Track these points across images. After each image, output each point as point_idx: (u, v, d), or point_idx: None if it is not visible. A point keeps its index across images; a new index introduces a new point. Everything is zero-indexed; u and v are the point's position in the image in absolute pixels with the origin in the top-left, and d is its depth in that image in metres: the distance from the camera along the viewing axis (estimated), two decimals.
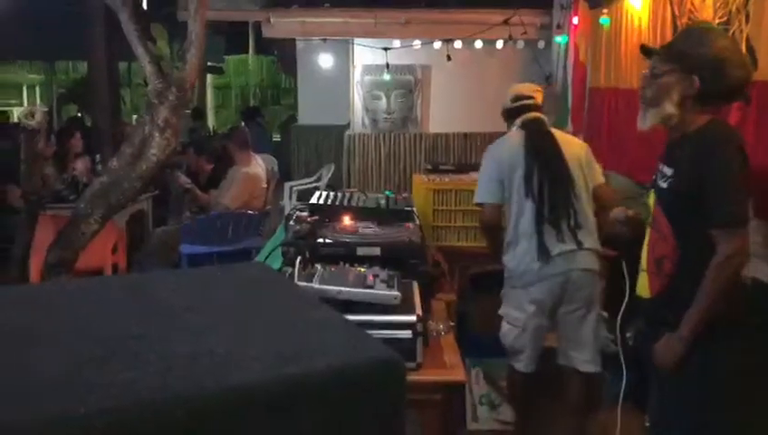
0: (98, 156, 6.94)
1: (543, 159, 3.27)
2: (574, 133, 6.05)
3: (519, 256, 3.22)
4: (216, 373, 0.73)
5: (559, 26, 6.60)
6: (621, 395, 2.71)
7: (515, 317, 3.28)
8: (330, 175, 8.75)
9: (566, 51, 6.39)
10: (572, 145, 3.44)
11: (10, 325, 0.86)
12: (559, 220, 3.17)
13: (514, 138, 3.37)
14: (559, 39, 6.57)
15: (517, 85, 3.67)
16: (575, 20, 6.06)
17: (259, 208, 6.24)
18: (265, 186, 6.59)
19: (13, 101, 17.45)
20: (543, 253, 3.14)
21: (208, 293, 1.00)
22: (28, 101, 17.93)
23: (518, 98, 3.51)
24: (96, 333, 0.84)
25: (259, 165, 6.46)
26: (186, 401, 0.71)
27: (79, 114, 12.84)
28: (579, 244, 3.18)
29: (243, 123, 12.81)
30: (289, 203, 8.00)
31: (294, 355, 0.77)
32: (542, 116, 3.47)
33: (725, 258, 2.17)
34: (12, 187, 5.78)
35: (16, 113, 12.45)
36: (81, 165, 6.56)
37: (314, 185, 8.51)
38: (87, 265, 4.42)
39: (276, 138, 14.57)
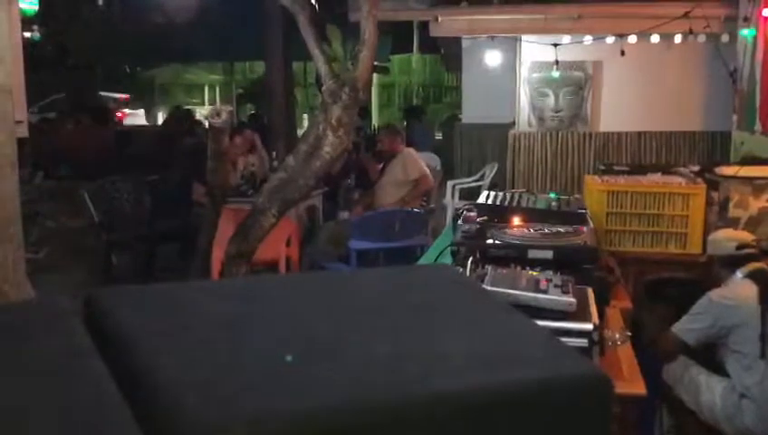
0: (274, 153, 7.29)
1: None
2: (763, 134, 5.61)
3: (751, 414, 3.01)
4: (420, 378, 0.73)
5: (746, 19, 6.14)
6: None
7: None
8: (493, 174, 8.68)
9: (754, 45, 5.93)
10: None
11: (218, 320, 0.90)
12: None
13: (745, 290, 3.13)
14: (745, 32, 6.12)
15: (728, 231, 3.48)
16: (765, 11, 5.62)
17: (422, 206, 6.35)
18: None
19: (195, 101, 18.74)
20: None
21: (400, 292, 1.00)
22: (209, 100, 19.17)
23: (743, 246, 3.28)
24: (299, 329, 0.86)
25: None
26: (391, 405, 0.71)
27: (256, 113, 13.55)
28: None
29: (405, 122, 13.01)
30: (452, 201, 8.03)
31: (497, 364, 0.75)
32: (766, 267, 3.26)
33: None
34: (196, 184, 6.20)
35: (199, 112, 13.37)
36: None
37: (477, 184, 8.48)
38: (263, 257, 4.65)
39: (438, 136, 14.66)
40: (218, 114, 4.00)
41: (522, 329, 0.87)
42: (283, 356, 0.77)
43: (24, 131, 4.18)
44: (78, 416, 0.74)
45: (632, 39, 6.85)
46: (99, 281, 6.11)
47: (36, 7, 9.89)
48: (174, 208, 6.59)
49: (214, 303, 0.93)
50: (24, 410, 0.74)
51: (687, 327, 3.18)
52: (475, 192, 7.42)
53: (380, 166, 6.77)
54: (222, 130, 4.07)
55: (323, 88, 4.14)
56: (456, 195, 8.36)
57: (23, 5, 5.92)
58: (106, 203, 6.46)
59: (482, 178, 8.83)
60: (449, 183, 8.62)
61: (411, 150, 6.54)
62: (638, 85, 7.27)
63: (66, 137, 10.55)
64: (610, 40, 6.97)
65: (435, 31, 7.60)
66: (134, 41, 12.48)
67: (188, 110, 11.63)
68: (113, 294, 0.99)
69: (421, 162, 6.37)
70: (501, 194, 3.58)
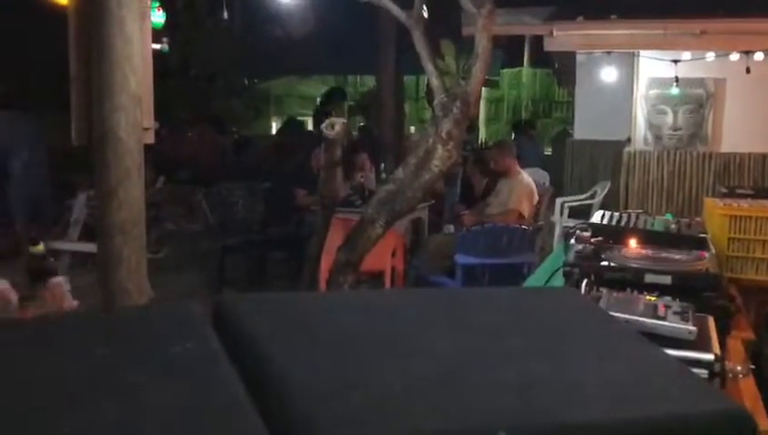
0: (383, 165, 7.36)
1: None
2: None
3: None
4: (551, 408, 0.72)
5: None
6: None
7: None
8: (604, 192, 8.43)
9: None
10: None
11: (346, 335, 0.91)
12: None
13: None
14: None
15: None
16: None
17: (530, 223, 6.24)
18: (537, 199, 6.60)
19: (307, 112, 19.20)
20: None
21: (525, 316, 0.99)
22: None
23: None
24: (426, 350, 0.86)
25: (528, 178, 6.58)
26: (520, 433, 0.70)
27: (365, 125, 13.74)
28: None
29: (513, 136, 12.85)
30: (560, 219, 7.86)
31: (631, 397, 0.73)
32: None
33: None
34: (298, 189, 6.40)
35: (311, 123, 13.69)
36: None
37: (588, 202, 8.26)
38: (370, 267, 4.70)
39: (547, 151, 14.41)
40: (333, 126, 4.08)
41: (656, 360, 0.83)
42: (411, 377, 0.77)
43: (150, 138, 4.40)
44: (210, 419, 0.76)
45: (759, 56, 6.52)
46: (212, 283, 6.35)
47: (163, 20, 10.42)
48: (285, 216, 6.77)
49: (342, 316, 0.94)
50: (160, 411, 0.77)
51: None
52: (585, 210, 7.23)
53: (485, 181, 6.72)
54: (335, 142, 4.15)
55: (435, 102, 4.16)
56: (566, 213, 8.18)
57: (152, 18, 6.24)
58: (221, 208, 6.71)
59: (593, 196, 8.60)
60: (558, 200, 8.43)
61: (526, 180, 6.42)
62: (763, 104, 6.91)
63: (187, 143, 11.06)
64: (735, 57, 6.65)
65: (549, 45, 7.47)
66: (253, 53, 12.96)
67: (301, 121, 11.94)
68: (243, 301, 1.02)
69: (525, 198, 6.26)
70: (615, 214, 3.48)
